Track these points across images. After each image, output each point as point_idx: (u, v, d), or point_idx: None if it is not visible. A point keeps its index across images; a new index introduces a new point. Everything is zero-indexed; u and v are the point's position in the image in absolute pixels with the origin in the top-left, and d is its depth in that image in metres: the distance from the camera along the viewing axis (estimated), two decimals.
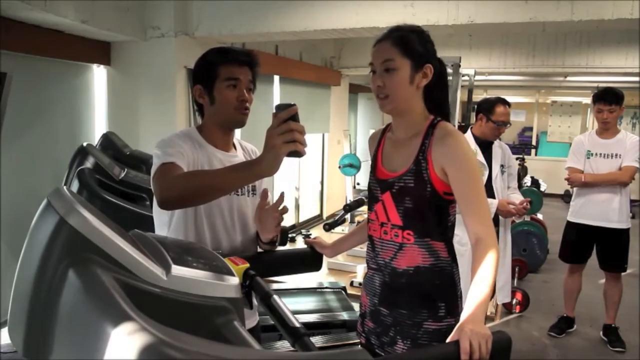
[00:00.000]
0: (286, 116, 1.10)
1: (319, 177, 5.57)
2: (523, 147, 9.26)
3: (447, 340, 1.02)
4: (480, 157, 2.93)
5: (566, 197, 7.58)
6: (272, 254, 1.55)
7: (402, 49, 1.34)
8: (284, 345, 1.91)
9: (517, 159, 5.79)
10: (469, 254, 1.26)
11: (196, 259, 0.83)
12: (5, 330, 0.74)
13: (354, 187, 4.90)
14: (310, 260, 1.60)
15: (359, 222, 3.48)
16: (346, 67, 5.38)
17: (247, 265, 1.14)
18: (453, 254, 1.41)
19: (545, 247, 5.09)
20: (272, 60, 4.01)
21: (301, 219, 5.16)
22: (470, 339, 0.96)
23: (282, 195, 1.45)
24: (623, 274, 3.53)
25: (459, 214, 1.37)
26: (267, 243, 1.53)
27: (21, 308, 0.68)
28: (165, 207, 1.33)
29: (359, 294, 2.54)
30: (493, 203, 2.81)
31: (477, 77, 4.32)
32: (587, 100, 9.14)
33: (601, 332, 3.64)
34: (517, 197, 3.01)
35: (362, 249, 2.82)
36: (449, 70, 2.94)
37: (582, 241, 3.53)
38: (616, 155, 3.37)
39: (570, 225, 3.58)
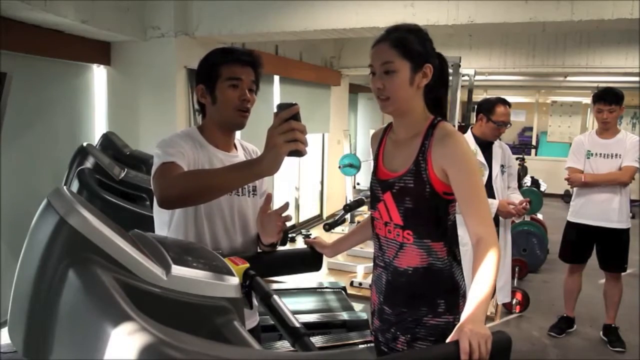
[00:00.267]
0: (287, 115, 1.10)
1: (319, 177, 5.56)
2: (523, 147, 9.26)
3: (447, 341, 1.02)
4: (481, 157, 2.93)
5: (566, 197, 7.58)
6: (272, 254, 1.55)
7: (400, 51, 1.34)
8: (284, 345, 1.90)
9: (517, 159, 5.79)
10: (470, 254, 1.26)
11: (196, 259, 0.83)
12: (5, 330, 0.74)
13: (354, 187, 4.90)
14: (310, 260, 1.60)
15: (359, 222, 3.48)
16: (346, 67, 5.37)
17: (247, 265, 1.14)
18: (453, 254, 1.41)
19: (545, 247, 5.09)
20: (272, 60, 4.00)
21: (301, 219, 5.16)
22: (470, 339, 0.96)
23: (286, 205, 1.45)
24: (623, 274, 3.53)
25: (459, 214, 1.37)
26: (267, 245, 1.53)
27: (21, 308, 0.68)
28: (165, 207, 1.33)
29: (359, 294, 2.56)
30: (493, 203, 2.81)
31: (477, 77, 4.32)
32: (587, 100, 9.14)
33: (601, 332, 3.64)
34: (517, 197, 3.02)
35: (362, 249, 2.84)
36: (449, 70, 2.94)
37: (582, 241, 3.54)
38: (616, 155, 3.37)
39: (570, 225, 3.59)
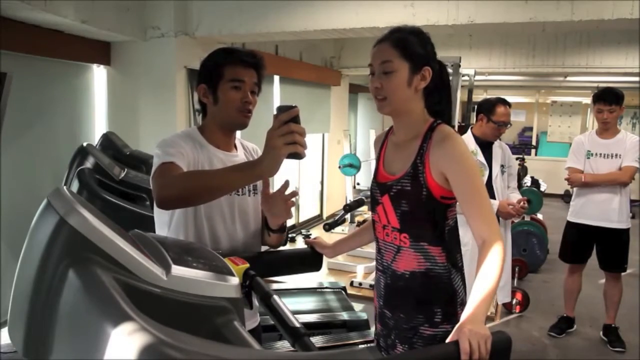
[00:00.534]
0: (287, 118, 1.10)
1: (319, 177, 5.56)
2: (523, 147, 9.26)
3: (447, 340, 1.02)
4: (481, 157, 2.93)
5: (566, 197, 7.58)
6: (272, 254, 1.55)
7: (401, 51, 1.33)
8: (284, 345, 1.90)
9: (517, 159, 5.79)
10: (469, 254, 1.26)
11: (196, 259, 0.83)
12: (5, 330, 0.74)
13: (354, 187, 4.89)
14: (310, 260, 1.59)
15: (359, 222, 3.48)
16: (346, 67, 5.37)
17: (247, 265, 1.14)
18: (453, 260, 1.39)
19: (545, 247, 5.09)
20: (272, 60, 4.00)
21: (301, 219, 5.16)
22: (469, 339, 0.96)
23: (286, 182, 1.44)
24: (623, 274, 3.53)
25: (460, 214, 1.36)
26: (276, 230, 1.51)
27: (21, 308, 0.68)
28: (164, 207, 1.32)
29: (359, 294, 2.56)
30: (494, 204, 2.81)
31: (477, 77, 4.32)
32: (587, 100, 9.14)
33: (601, 332, 3.64)
34: (517, 197, 3.02)
35: (363, 249, 2.83)
36: (449, 71, 2.94)
37: (582, 241, 3.54)
38: (616, 155, 3.37)
39: (570, 225, 3.59)
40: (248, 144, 1.67)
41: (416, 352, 1.25)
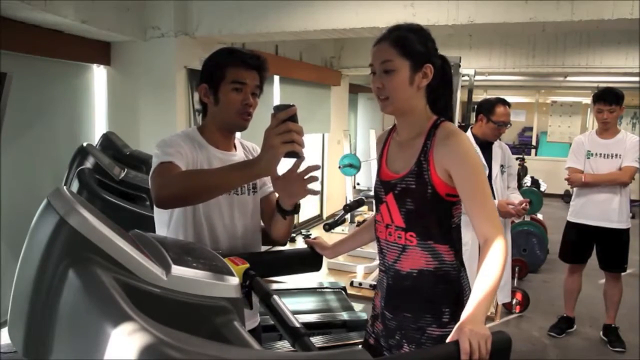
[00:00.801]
0: (285, 117, 1.10)
1: (319, 177, 5.56)
2: (523, 147, 9.25)
3: (447, 340, 1.02)
4: (480, 157, 2.93)
5: (566, 197, 7.58)
6: (272, 254, 1.55)
7: (400, 50, 1.32)
8: (284, 345, 1.91)
9: (517, 159, 5.79)
10: (469, 254, 1.25)
11: (196, 259, 0.83)
12: (5, 330, 0.74)
13: (354, 187, 4.89)
14: (310, 260, 1.59)
15: (359, 222, 3.48)
16: (346, 67, 5.37)
17: (247, 265, 1.14)
18: (460, 258, 1.38)
19: (545, 247, 5.09)
20: (272, 60, 3.98)
21: (301, 219, 5.16)
22: (469, 339, 0.96)
23: (316, 166, 1.41)
24: (623, 274, 3.53)
25: (464, 214, 1.35)
26: (290, 211, 1.46)
27: (21, 308, 0.68)
28: (162, 206, 1.32)
29: (359, 294, 2.56)
30: None
31: (477, 77, 4.32)
32: (587, 100, 9.14)
33: (601, 332, 3.64)
34: (517, 197, 3.02)
35: (363, 249, 2.83)
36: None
37: (582, 241, 3.54)
38: (616, 155, 3.37)
39: (570, 225, 3.59)
40: (247, 143, 1.67)
41: (416, 352, 1.25)
